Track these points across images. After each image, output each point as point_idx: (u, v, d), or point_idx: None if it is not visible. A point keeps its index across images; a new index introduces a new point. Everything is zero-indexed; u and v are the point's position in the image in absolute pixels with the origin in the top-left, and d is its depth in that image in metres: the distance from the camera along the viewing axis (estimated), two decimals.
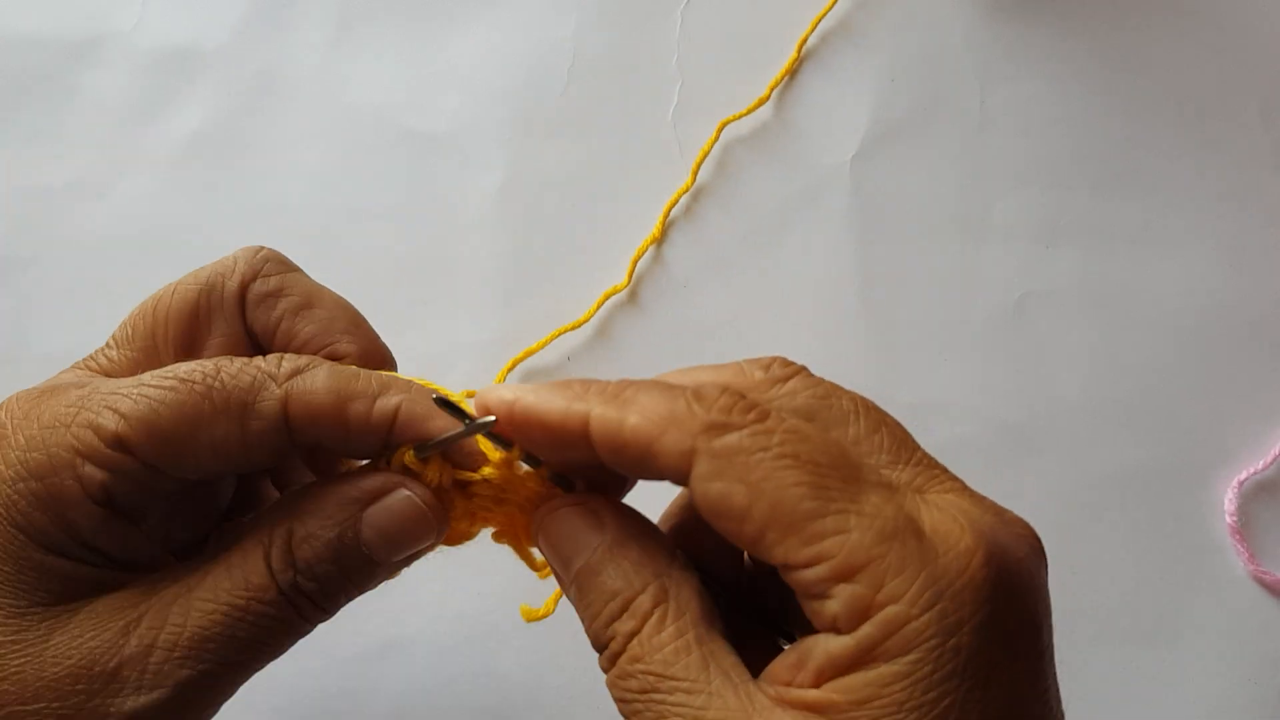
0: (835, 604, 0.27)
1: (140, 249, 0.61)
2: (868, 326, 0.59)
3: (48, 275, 0.61)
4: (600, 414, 0.30)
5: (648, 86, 0.63)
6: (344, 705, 0.52)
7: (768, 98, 0.62)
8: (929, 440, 0.57)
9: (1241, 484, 0.56)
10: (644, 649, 0.29)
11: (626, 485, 0.35)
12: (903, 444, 0.31)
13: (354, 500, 0.33)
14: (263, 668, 0.33)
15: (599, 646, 0.31)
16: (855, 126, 0.62)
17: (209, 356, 0.35)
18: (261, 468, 0.34)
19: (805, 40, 0.63)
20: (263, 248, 0.39)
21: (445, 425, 0.33)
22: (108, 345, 0.38)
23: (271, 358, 0.33)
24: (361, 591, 0.34)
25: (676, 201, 0.61)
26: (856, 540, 0.27)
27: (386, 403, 0.33)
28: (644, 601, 0.30)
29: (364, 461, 0.35)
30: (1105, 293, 0.60)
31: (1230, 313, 0.59)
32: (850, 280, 0.60)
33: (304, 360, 0.33)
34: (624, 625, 0.30)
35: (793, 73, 0.63)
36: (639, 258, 0.60)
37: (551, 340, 0.58)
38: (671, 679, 0.28)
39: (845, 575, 0.27)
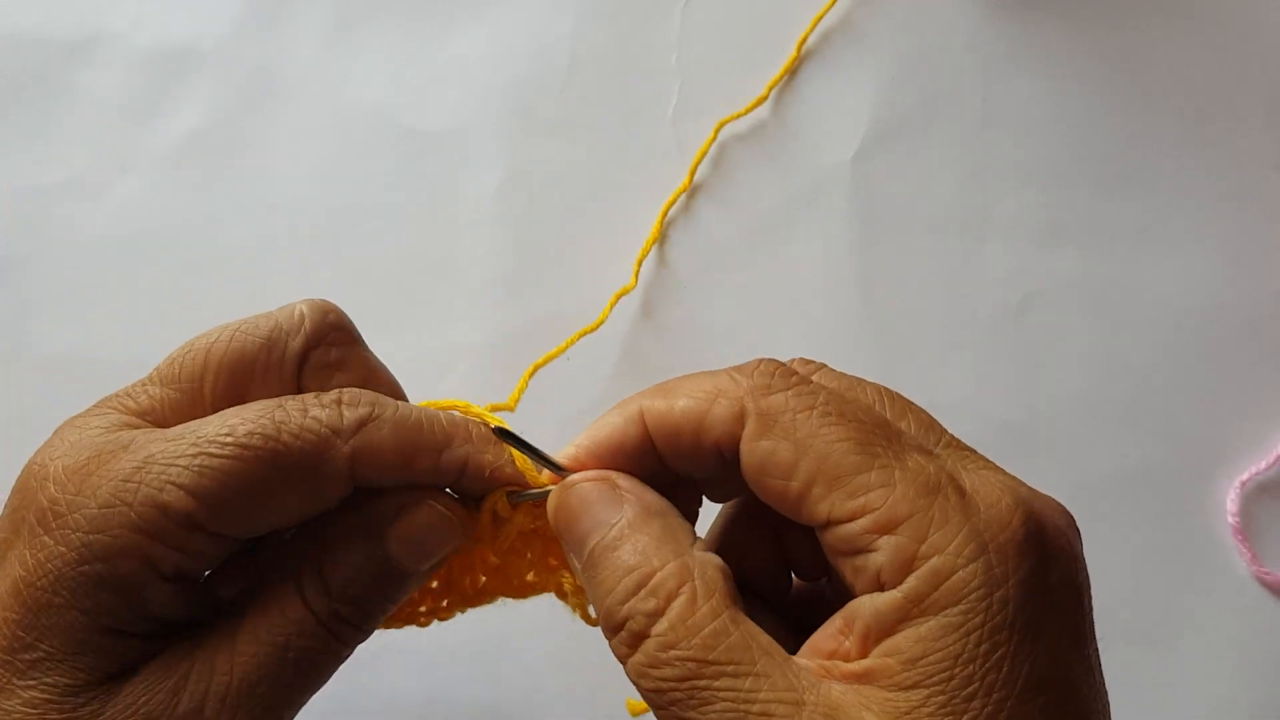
0: (880, 556, 0.27)
1: (138, 248, 0.61)
2: (869, 326, 0.59)
3: (45, 275, 0.60)
4: (650, 406, 0.31)
5: (647, 85, 0.63)
6: (343, 706, 0.52)
7: (766, 97, 0.62)
8: None
9: (1244, 484, 0.56)
10: (678, 633, 0.28)
11: (691, 518, 0.34)
12: (930, 427, 0.31)
13: (378, 523, 0.33)
14: (309, 698, 0.33)
15: (613, 627, 0.29)
16: (856, 126, 0.62)
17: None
18: (324, 510, 0.33)
19: (805, 39, 0.63)
20: (331, 307, 0.36)
21: (511, 472, 0.34)
22: (149, 380, 0.36)
23: (329, 403, 0.32)
24: (396, 605, 0.34)
25: (674, 202, 0.60)
26: (901, 493, 0.28)
27: (452, 456, 0.33)
28: (667, 579, 0.29)
29: None
30: (1107, 292, 0.60)
31: (1232, 312, 0.59)
32: (851, 279, 0.60)
33: (365, 408, 0.32)
34: (644, 604, 0.28)
35: (793, 72, 0.63)
36: (643, 258, 0.59)
37: (572, 344, 0.57)
38: (715, 664, 0.27)
39: (889, 527, 0.27)
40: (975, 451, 0.32)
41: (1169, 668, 0.54)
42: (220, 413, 0.32)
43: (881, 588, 0.27)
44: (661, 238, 0.61)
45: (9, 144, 0.63)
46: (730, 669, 0.27)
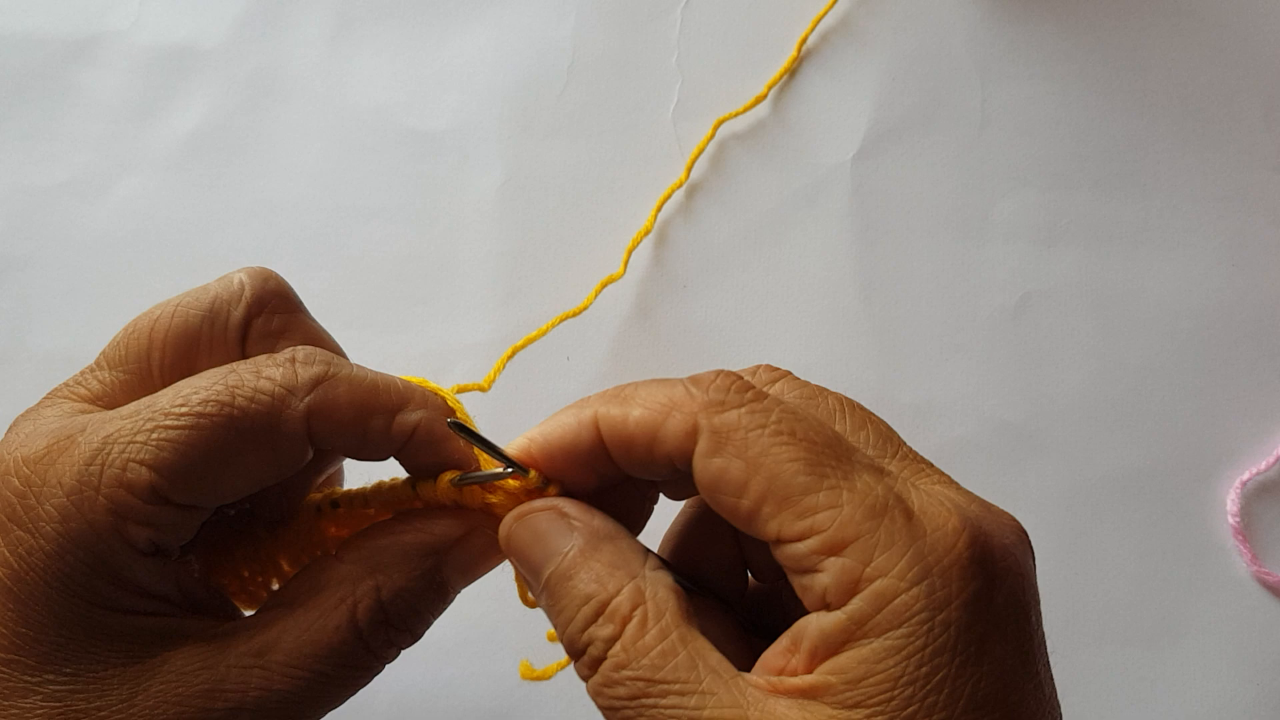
0: (825, 577, 0.27)
1: (138, 248, 0.61)
2: (868, 326, 0.59)
3: (45, 275, 0.60)
4: (605, 413, 0.31)
5: (648, 86, 0.63)
6: (341, 707, 0.52)
7: (765, 95, 0.62)
8: (929, 440, 0.57)
9: (1244, 484, 0.56)
10: (629, 654, 0.29)
11: (645, 514, 0.35)
12: (888, 439, 0.32)
13: (434, 550, 0.34)
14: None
15: (575, 653, 0.30)
16: (856, 126, 0.62)
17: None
18: (286, 476, 0.34)
19: (805, 39, 0.63)
20: (270, 275, 0.37)
21: (460, 446, 0.34)
22: (97, 365, 0.36)
23: (283, 362, 0.32)
24: (435, 620, 0.35)
25: (669, 196, 0.60)
26: (848, 515, 0.28)
27: (405, 419, 0.33)
28: (622, 604, 0.29)
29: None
30: (1106, 293, 0.60)
31: (1232, 312, 0.59)
32: (851, 280, 0.60)
33: (320, 366, 0.32)
34: (602, 630, 0.29)
35: (793, 72, 0.63)
36: (634, 247, 0.59)
37: (552, 328, 0.57)
38: (662, 682, 0.28)
39: (835, 549, 0.27)
40: (931, 465, 0.32)
41: (1169, 668, 0.54)
42: (173, 385, 0.32)
43: (828, 608, 0.28)
44: (660, 236, 0.61)
45: (10, 144, 0.63)
46: (677, 687, 0.28)
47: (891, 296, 0.60)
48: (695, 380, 0.30)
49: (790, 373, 0.33)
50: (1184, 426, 0.57)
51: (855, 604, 0.27)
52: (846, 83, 0.63)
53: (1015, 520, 0.31)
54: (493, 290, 0.60)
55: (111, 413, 0.32)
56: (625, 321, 0.59)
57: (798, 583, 0.28)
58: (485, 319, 0.59)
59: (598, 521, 0.31)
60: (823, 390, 0.32)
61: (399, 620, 0.33)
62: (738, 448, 0.29)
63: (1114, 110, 0.63)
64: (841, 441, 0.29)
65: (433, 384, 0.35)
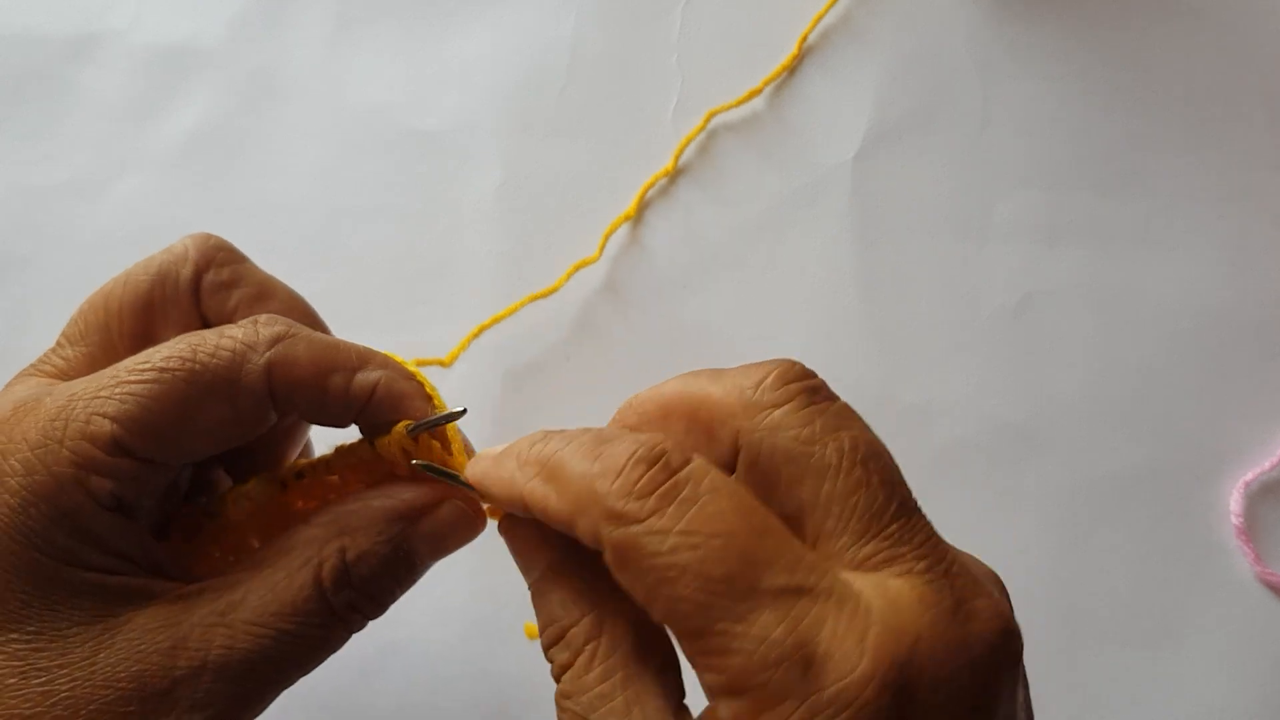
0: (724, 711, 0.26)
1: (137, 248, 0.60)
2: (868, 326, 0.59)
3: (44, 274, 0.60)
4: (529, 492, 0.29)
5: (648, 85, 0.63)
6: (342, 707, 0.52)
7: (761, 90, 0.62)
8: (930, 441, 0.57)
9: (1247, 485, 0.56)
10: (573, 686, 0.29)
11: None
12: (877, 515, 0.27)
13: (404, 516, 0.34)
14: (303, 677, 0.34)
15: (547, 659, 0.31)
16: (857, 125, 0.62)
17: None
18: (249, 439, 0.34)
19: (806, 37, 0.63)
20: (211, 235, 0.38)
21: (420, 405, 0.34)
22: (59, 345, 0.37)
23: (244, 324, 0.33)
24: (403, 594, 0.35)
25: (653, 184, 0.60)
26: (739, 664, 0.25)
27: (365, 378, 0.34)
28: (578, 635, 0.29)
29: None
30: (1108, 293, 0.60)
31: (1235, 312, 0.59)
32: (851, 279, 0.60)
33: (281, 325, 0.33)
34: (559, 655, 0.30)
35: (793, 70, 0.63)
36: (610, 233, 0.59)
37: (520, 308, 0.57)
38: None
39: (731, 692, 0.25)
40: (921, 543, 0.27)
41: (1171, 669, 0.54)
42: (138, 354, 0.33)
43: None
44: (659, 236, 0.60)
45: (8, 143, 0.62)
46: None
47: (892, 296, 0.59)
48: (605, 469, 0.27)
49: (812, 387, 0.29)
50: (1186, 426, 0.57)
51: None
52: (847, 82, 0.63)
53: (996, 621, 0.26)
54: (492, 290, 0.59)
55: (77, 379, 0.33)
56: (625, 322, 0.59)
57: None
58: (485, 318, 0.59)
59: (568, 540, 0.31)
60: (836, 431, 0.28)
61: (361, 584, 0.33)
62: (634, 573, 0.26)
63: (1116, 110, 0.63)
64: (750, 564, 0.25)
65: (396, 357, 0.36)
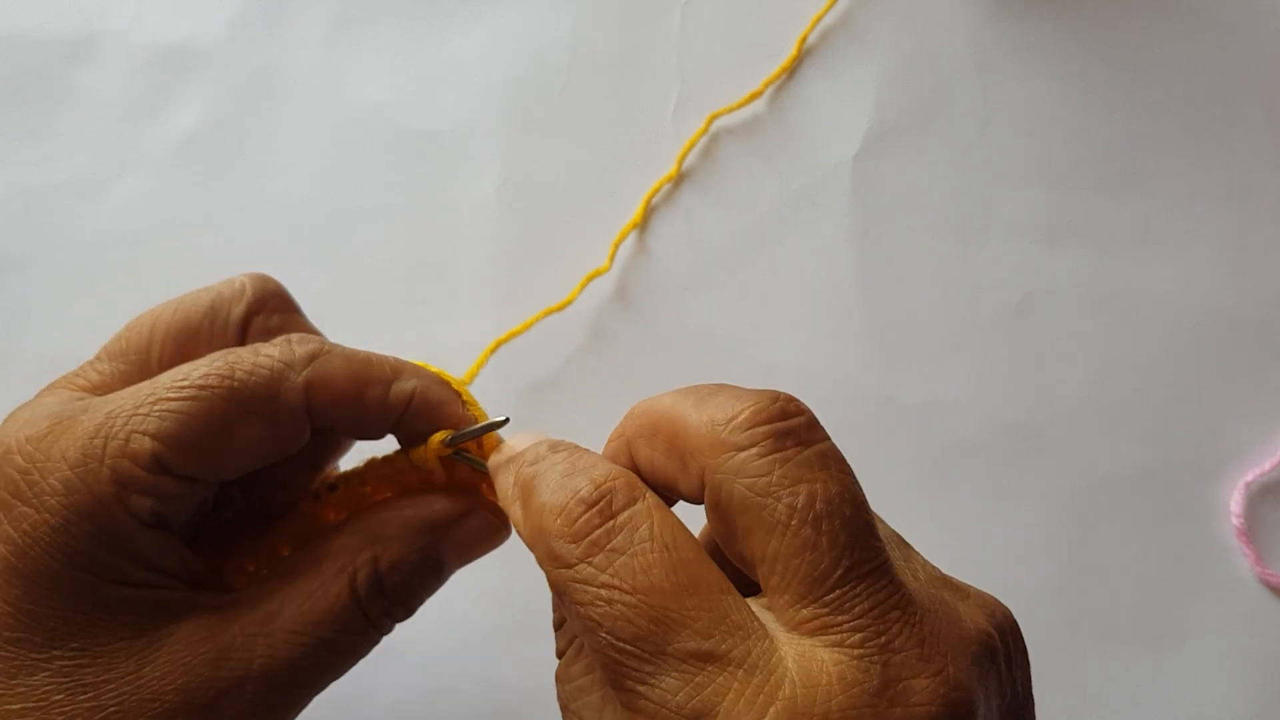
0: None
1: (137, 248, 0.61)
2: (869, 327, 0.59)
3: (43, 275, 0.60)
4: (511, 513, 0.30)
5: (647, 86, 0.63)
6: (342, 710, 0.52)
7: (761, 92, 0.62)
8: (930, 442, 0.57)
9: (1248, 485, 0.56)
10: (563, 673, 0.30)
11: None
12: (820, 579, 0.26)
13: (435, 526, 0.35)
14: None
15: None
16: (857, 125, 0.62)
17: None
18: (285, 455, 0.34)
19: (805, 38, 0.63)
20: (269, 279, 0.39)
21: (457, 411, 0.35)
22: (98, 358, 0.37)
23: (279, 343, 0.33)
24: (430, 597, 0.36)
25: (658, 190, 0.60)
26: None
27: (402, 388, 0.34)
28: (570, 627, 0.30)
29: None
30: (1109, 293, 0.59)
31: (1236, 312, 0.59)
32: (851, 280, 0.60)
33: (314, 344, 0.34)
34: (558, 640, 0.31)
35: (792, 71, 0.63)
36: (620, 241, 0.59)
37: (535, 323, 0.57)
38: (571, 713, 0.29)
39: None
40: (863, 612, 0.25)
41: (1172, 670, 0.54)
42: (170, 370, 0.33)
43: None
44: (659, 237, 0.60)
45: (7, 143, 0.62)
46: None
47: (892, 297, 0.59)
48: (555, 509, 0.27)
49: (793, 426, 0.28)
50: (1187, 427, 0.57)
51: None
52: (847, 82, 0.63)
53: (933, 708, 0.24)
54: (492, 291, 0.59)
55: (112, 394, 0.33)
56: (634, 329, 0.59)
57: None
58: (485, 319, 0.59)
59: None
60: (796, 482, 0.26)
61: (394, 592, 0.34)
62: (568, 614, 0.27)
63: (1116, 110, 0.63)
64: (662, 625, 0.25)
65: (430, 366, 0.36)
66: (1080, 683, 0.54)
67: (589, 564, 0.26)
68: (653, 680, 0.25)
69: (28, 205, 0.61)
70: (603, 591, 0.26)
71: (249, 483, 0.39)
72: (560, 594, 0.27)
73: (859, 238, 0.60)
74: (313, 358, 0.33)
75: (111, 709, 0.30)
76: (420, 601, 0.35)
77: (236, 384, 0.31)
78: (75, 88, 0.63)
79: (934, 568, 0.30)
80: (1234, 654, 0.54)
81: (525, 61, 0.63)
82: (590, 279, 0.58)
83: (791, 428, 0.27)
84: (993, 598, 0.30)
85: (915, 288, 0.60)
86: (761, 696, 0.24)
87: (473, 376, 0.55)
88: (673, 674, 0.25)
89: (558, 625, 0.32)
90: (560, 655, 0.30)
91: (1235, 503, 0.55)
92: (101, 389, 0.35)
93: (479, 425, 0.34)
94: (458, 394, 0.35)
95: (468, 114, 0.63)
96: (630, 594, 0.25)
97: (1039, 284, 0.60)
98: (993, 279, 0.60)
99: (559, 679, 0.30)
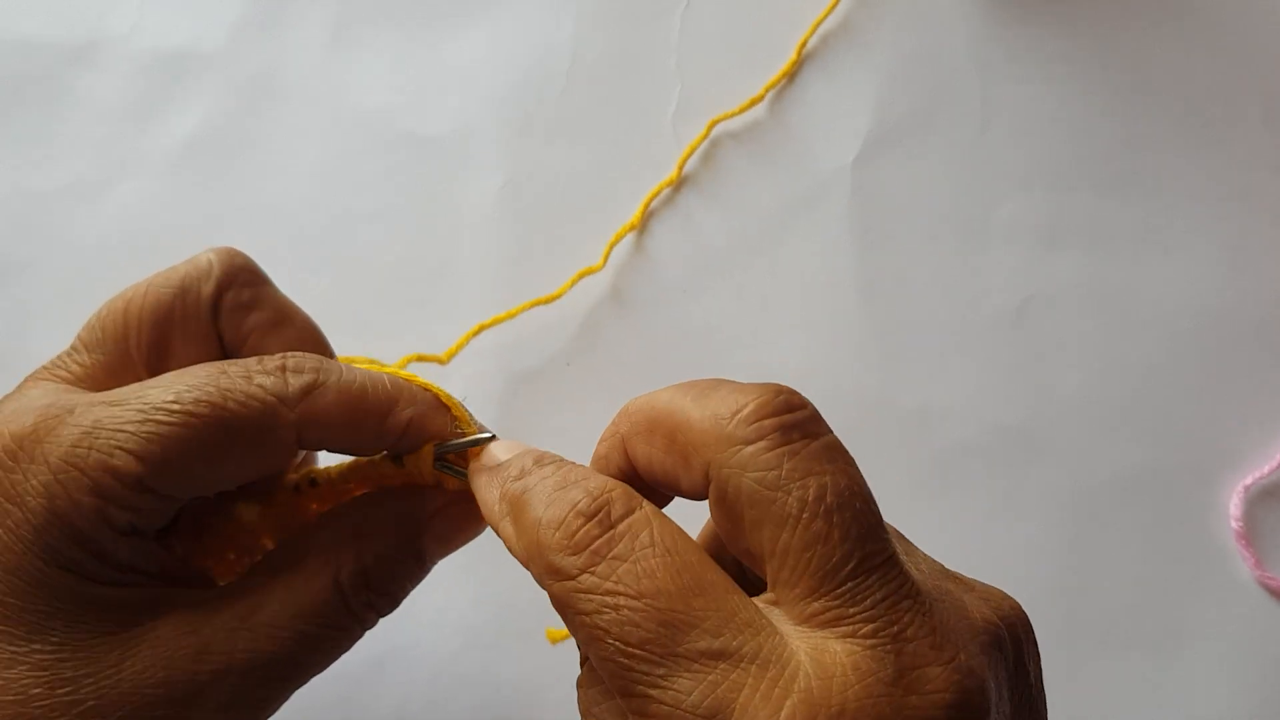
0: None
1: (138, 252, 0.61)
2: (869, 330, 0.59)
3: (44, 279, 0.60)
4: (500, 529, 0.30)
5: (647, 89, 0.63)
6: (342, 715, 0.52)
7: (762, 97, 0.62)
8: (930, 445, 0.57)
9: (1247, 488, 0.56)
10: (585, 679, 0.29)
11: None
12: (832, 572, 0.26)
13: (415, 518, 0.35)
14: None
15: None
16: (856, 129, 0.62)
17: (180, 360, 0.35)
18: (272, 474, 0.35)
19: (805, 42, 0.63)
20: (236, 252, 0.38)
21: (449, 430, 0.35)
22: (74, 349, 0.37)
23: (273, 370, 0.33)
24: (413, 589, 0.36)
25: (658, 193, 0.60)
26: None
27: (396, 420, 0.34)
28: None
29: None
30: (1108, 295, 0.59)
31: (1235, 315, 0.59)
32: (851, 283, 0.60)
33: (310, 375, 0.33)
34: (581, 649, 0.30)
35: (792, 75, 0.63)
36: (615, 242, 0.59)
37: (521, 312, 0.57)
38: (593, 716, 0.28)
39: None
40: (877, 603, 0.25)
41: (1171, 673, 0.54)
42: (161, 377, 0.33)
43: None
44: (659, 239, 0.60)
45: (8, 147, 0.63)
46: None
47: (892, 300, 0.59)
48: (549, 520, 0.27)
49: (799, 419, 0.27)
50: (1186, 429, 0.57)
51: None
52: (847, 85, 0.63)
53: (948, 694, 0.24)
54: (493, 293, 0.59)
55: (100, 396, 0.32)
56: (628, 328, 0.59)
57: None
58: (485, 320, 0.59)
59: None
60: (806, 474, 0.26)
61: (379, 584, 0.34)
62: (571, 627, 0.27)
63: (1116, 111, 0.63)
64: (674, 626, 0.25)
65: (420, 379, 0.36)
66: (1079, 685, 0.54)
67: (591, 573, 0.26)
68: (665, 683, 0.24)
69: (29, 208, 0.62)
70: (608, 599, 0.25)
71: None
72: (563, 607, 0.27)
73: (859, 240, 0.60)
74: (306, 392, 0.32)
75: (90, 703, 0.30)
76: (405, 593, 0.35)
77: (227, 414, 0.31)
78: (76, 91, 0.63)
79: (936, 562, 0.30)
80: (1232, 657, 0.54)
81: (526, 65, 0.64)
82: (582, 275, 0.58)
83: (797, 420, 0.27)
84: (999, 591, 0.30)
85: (915, 290, 0.60)
86: (777, 690, 0.24)
87: (451, 355, 0.56)
88: (685, 675, 0.24)
89: None
90: (583, 664, 0.30)
91: (1234, 505, 0.55)
92: (85, 381, 0.35)
93: (465, 439, 0.34)
94: (449, 410, 0.35)
95: (468, 117, 0.63)
96: (636, 599, 0.25)
97: (1038, 286, 0.60)
98: (992, 281, 0.60)
99: (579, 684, 0.29)
